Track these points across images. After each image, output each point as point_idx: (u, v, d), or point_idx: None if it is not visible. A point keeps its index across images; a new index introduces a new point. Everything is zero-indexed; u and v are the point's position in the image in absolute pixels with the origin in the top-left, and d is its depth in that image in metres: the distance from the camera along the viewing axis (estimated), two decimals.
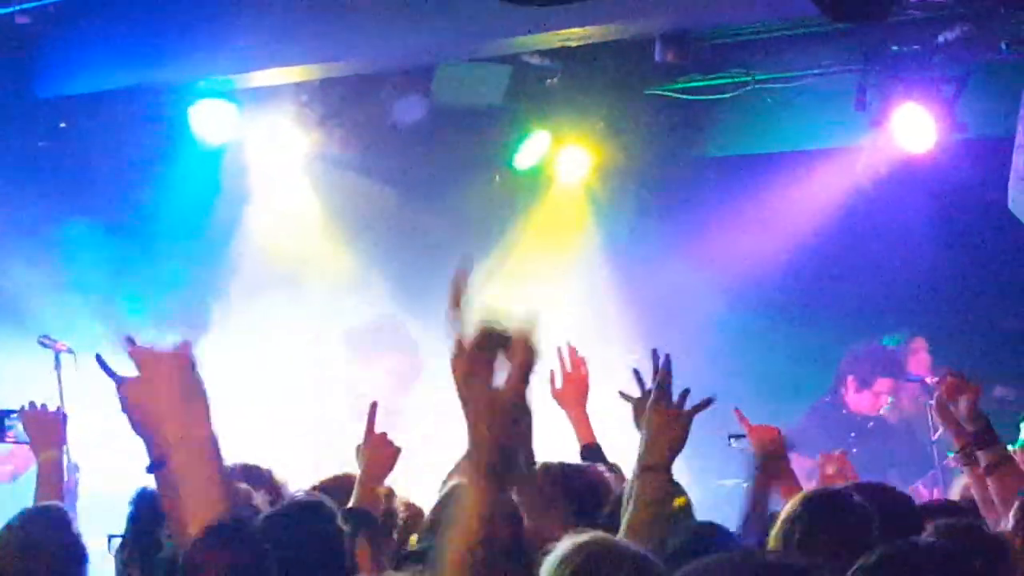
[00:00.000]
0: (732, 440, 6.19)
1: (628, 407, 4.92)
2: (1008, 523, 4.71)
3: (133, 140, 9.39)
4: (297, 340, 10.01)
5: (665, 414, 4.27)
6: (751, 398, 7.70)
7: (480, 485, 2.65)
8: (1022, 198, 8.19)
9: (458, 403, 2.74)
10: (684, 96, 10.05)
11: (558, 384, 6.15)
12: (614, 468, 5.59)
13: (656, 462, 4.22)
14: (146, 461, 3.52)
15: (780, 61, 9.57)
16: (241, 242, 9.89)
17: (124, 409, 3.44)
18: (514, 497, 2.88)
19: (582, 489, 5.00)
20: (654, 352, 4.45)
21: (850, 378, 9.65)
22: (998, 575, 3.98)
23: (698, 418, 4.35)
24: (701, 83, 9.93)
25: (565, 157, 10.60)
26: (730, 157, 10.73)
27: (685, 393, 4.34)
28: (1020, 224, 8.32)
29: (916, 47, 8.94)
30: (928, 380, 8.45)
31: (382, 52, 8.46)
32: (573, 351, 6.23)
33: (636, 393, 4.81)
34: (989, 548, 4.15)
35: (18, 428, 6.17)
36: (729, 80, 9.79)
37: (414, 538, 4.85)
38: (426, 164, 10.42)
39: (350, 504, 5.02)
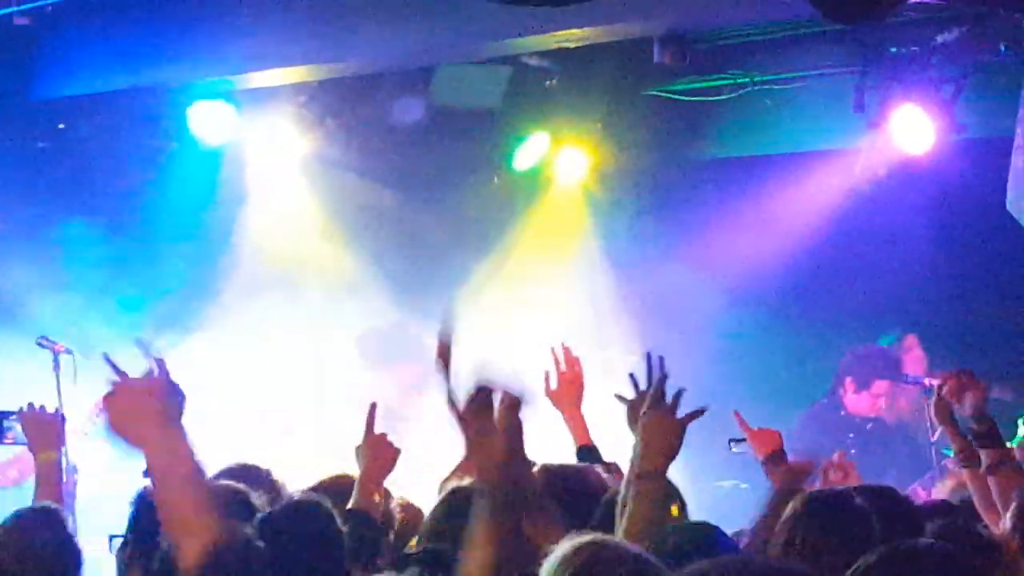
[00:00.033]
0: (732, 444, 6.18)
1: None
2: (1006, 524, 4.72)
3: (132, 141, 9.40)
4: (295, 341, 10.01)
5: (660, 422, 4.27)
6: (750, 399, 7.72)
7: (492, 520, 3.13)
8: (1021, 199, 8.19)
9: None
10: (682, 97, 10.06)
11: (553, 385, 6.14)
12: (611, 468, 5.59)
13: (651, 469, 4.22)
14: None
15: (778, 62, 9.57)
16: (239, 243, 9.89)
17: (108, 430, 3.46)
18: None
19: (581, 491, 5.00)
20: (648, 355, 4.45)
21: (848, 380, 9.65)
22: None
23: (695, 419, 4.35)
24: (699, 84, 9.93)
25: (563, 158, 10.60)
26: (728, 158, 10.72)
27: (679, 394, 4.34)
28: (1019, 225, 8.32)
29: (914, 48, 8.94)
30: (927, 382, 8.44)
31: (381, 53, 8.46)
32: (567, 351, 6.21)
33: (631, 395, 4.81)
34: (982, 550, 4.16)
35: (17, 429, 6.17)
36: (727, 81, 9.80)
37: (414, 541, 4.85)
38: (424, 165, 10.42)
39: (349, 505, 5.02)
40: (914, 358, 9.77)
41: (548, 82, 9.76)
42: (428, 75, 9.44)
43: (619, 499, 4.28)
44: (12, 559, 4.58)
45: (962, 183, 9.53)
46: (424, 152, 10.26)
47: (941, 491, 6.19)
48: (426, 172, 10.46)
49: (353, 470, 5.31)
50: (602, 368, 7.89)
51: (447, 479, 5.28)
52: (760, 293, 10.25)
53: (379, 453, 5.17)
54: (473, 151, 10.44)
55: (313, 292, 10.10)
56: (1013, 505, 4.71)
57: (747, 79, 9.71)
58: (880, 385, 9.58)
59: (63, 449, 5.99)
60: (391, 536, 5.26)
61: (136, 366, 3.52)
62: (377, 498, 5.19)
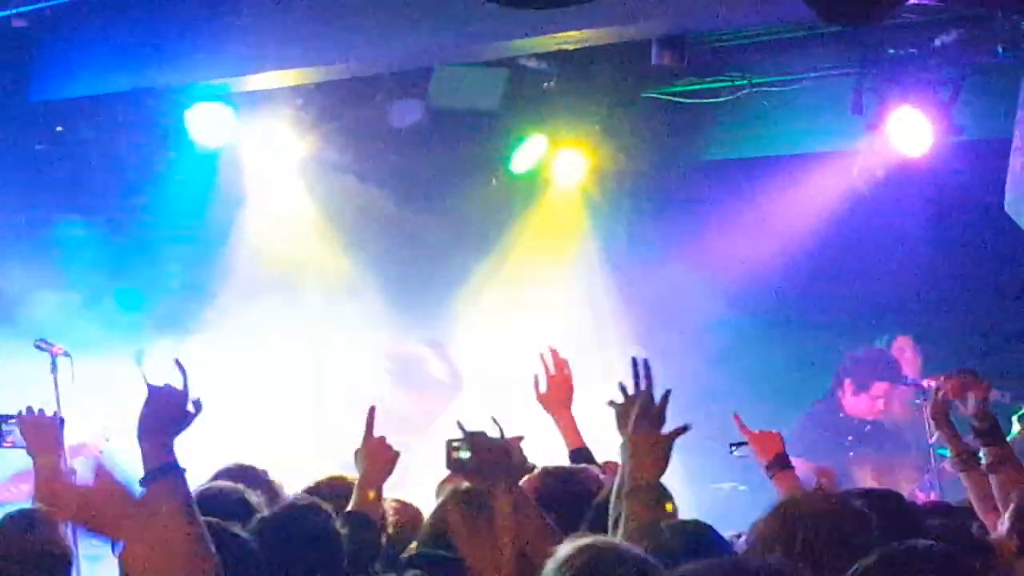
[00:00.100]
0: (733, 448, 6.17)
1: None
2: (1004, 525, 4.72)
3: (130, 143, 9.39)
4: (294, 343, 10.00)
5: (646, 438, 4.28)
6: (748, 400, 7.73)
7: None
8: (1019, 200, 8.20)
9: None
10: (681, 99, 10.06)
11: (542, 388, 6.14)
12: (606, 468, 5.59)
13: (644, 483, 4.23)
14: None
15: (777, 64, 9.58)
16: (238, 245, 9.88)
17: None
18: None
19: (580, 493, 5.00)
20: (633, 360, 4.44)
21: (847, 381, 9.64)
22: None
23: (693, 421, 4.36)
24: (698, 86, 9.94)
25: (562, 160, 10.60)
26: (727, 160, 10.73)
27: (666, 396, 4.34)
28: (1017, 226, 8.33)
29: (912, 50, 8.94)
30: (925, 384, 8.43)
31: (378, 55, 8.45)
32: (555, 353, 6.21)
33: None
34: (979, 552, 4.16)
35: (16, 433, 6.17)
36: (726, 83, 9.80)
37: (413, 544, 4.85)
38: (422, 167, 10.42)
39: (349, 507, 5.02)
40: (906, 360, 9.78)
41: (546, 84, 9.76)
42: (426, 77, 9.44)
43: (610, 511, 4.29)
44: (1, 560, 4.59)
45: (960, 185, 9.54)
46: (422, 154, 10.26)
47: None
48: (424, 174, 10.46)
49: (349, 471, 5.31)
50: (602, 369, 7.88)
51: (444, 482, 5.28)
52: (758, 294, 10.25)
53: (378, 456, 5.17)
54: (472, 153, 10.44)
55: (311, 294, 10.09)
56: (1011, 507, 4.71)
57: (745, 81, 9.71)
58: (879, 387, 9.57)
59: (61, 452, 5.98)
60: (383, 539, 5.25)
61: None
62: (374, 502, 5.19)
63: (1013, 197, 8.27)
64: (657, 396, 4.36)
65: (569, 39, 7.96)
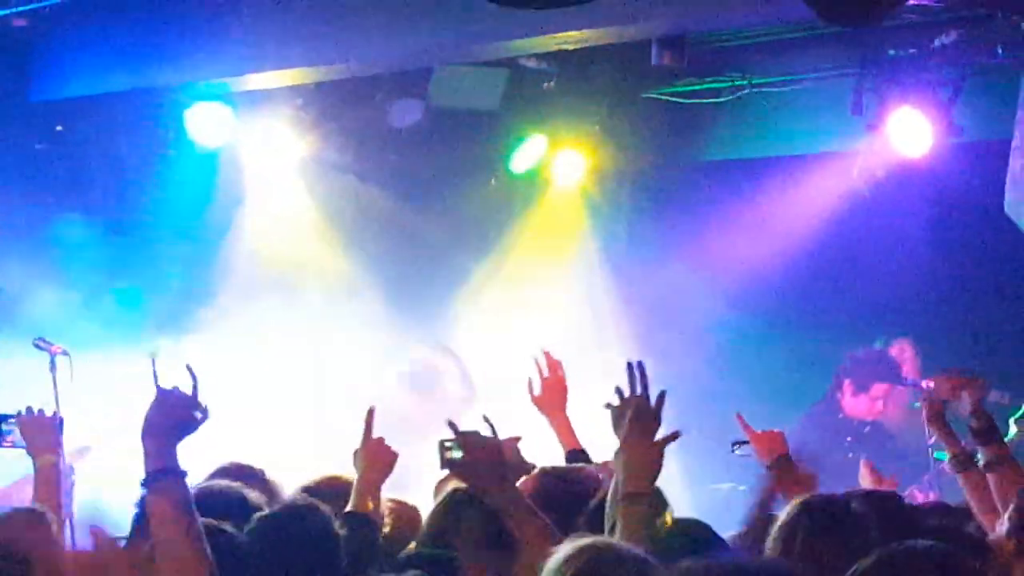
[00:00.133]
0: (736, 447, 6.16)
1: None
2: (1003, 526, 4.72)
3: (129, 143, 9.39)
4: (294, 343, 10.00)
5: (638, 445, 4.28)
6: (748, 400, 7.70)
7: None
8: (1018, 201, 8.19)
9: None
10: (680, 100, 10.06)
11: (536, 391, 6.13)
12: (603, 468, 5.58)
13: (637, 490, 4.23)
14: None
15: (777, 65, 9.58)
16: (237, 245, 9.88)
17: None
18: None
19: (580, 493, 5.00)
20: (629, 364, 4.43)
21: (847, 382, 9.64)
22: None
23: (692, 422, 4.36)
24: (698, 87, 9.94)
25: (561, 160, 10.60)
26: (727, 160, 10.73)
27: (662, 396, 4.34)
28: (1017, 227, 8.32)
29: (912, 51, 8.94)
30: (925, 385, 8.42)
31: (378, 55, 8.45)
32: (548, 355, 6.21)
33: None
34: (978, 552, 4.16)
35: (16, 433, 6.17)
36: (726, 84, 9.80)
37: (412, 544, 4.85)
38: (422, 167, 10.42)
39: (348, 508, 5.01)
40: (906, 363, 9.76)
41: (546, 84, 9.75)
42: (426, 77, 9.44)
43: (607, 515, 4.29)
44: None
45: (960, 185, 9.53)
46: (422, 154, 10.26)
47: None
48: (424, 174, 10.46)
49: (346, 471, 5.30)
50: (602, 369, 7.87)
51: (442, 482, 5.28)
52: (758, 295, 10.25)
53: (377, 457, 5.17)
54: (471, 153, 10.44)
55: (311, 294, 10.09)
56: (1011, 507, 4.70)
57: (745, 81, 9.72)
58: (879, 388, 9.56)
59: (60, 452, 5.98)
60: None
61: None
62: (371, 504, 5.19)
63: (1013, 198, 8.26)
64: (653, 397, 4.35)
65: (569, 39, 7.95)
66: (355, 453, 5.23)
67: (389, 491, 5.25)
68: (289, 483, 5.50)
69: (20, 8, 8.48)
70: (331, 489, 5.16)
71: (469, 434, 4.40)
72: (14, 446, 6.31)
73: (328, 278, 10.19)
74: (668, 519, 4.41)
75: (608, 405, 4.56)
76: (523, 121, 10.26)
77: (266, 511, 4.59)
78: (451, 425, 4.44)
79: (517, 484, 4.57)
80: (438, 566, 4.49)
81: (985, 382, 5.40)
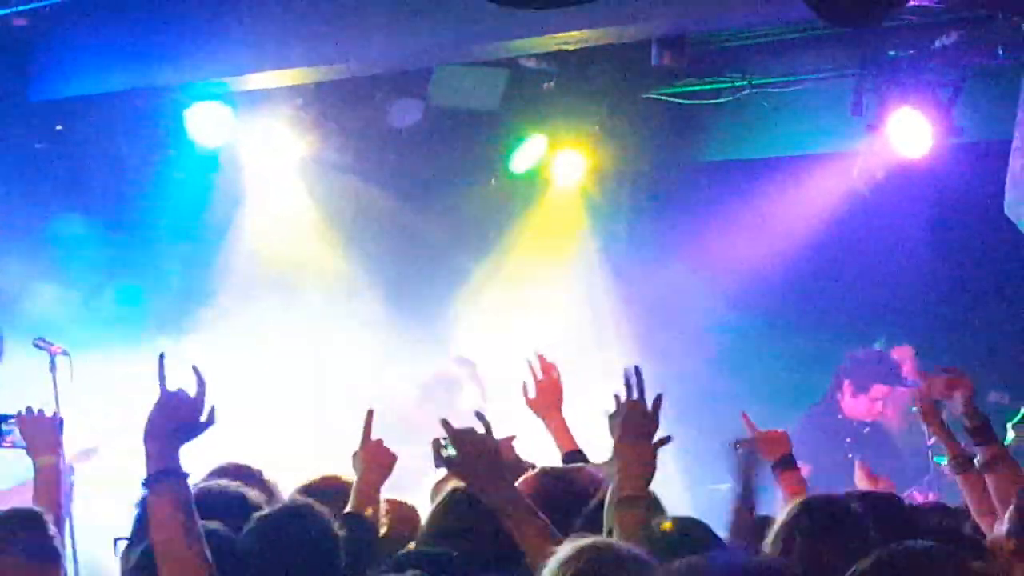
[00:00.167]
0: (738, 446, 6.16)
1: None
2: (1003, 526, 4.71)
3: (129, 143, 9.39)
4: (293, 343, 10.00)
5: (632, 449, 4.28)
6: (748, 401, 7.68)
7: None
8: (1018, 201, 8.19)
9: None
10: (680, 100, 10.07)
11: (531, 394, 6.13)
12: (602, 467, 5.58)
13: (632, 493, 4.23)
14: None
15: (777, 65, 9.59)
16: (237, 245, 9.88)
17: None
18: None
19: (579, 493, 4.99)
20: (625, 371, 4.43)
21: (847, 383, 9.62)
22: None
23: (692, 422, 4.36)
24: (698, 87, 9.94)
25: (561, 161, 10.60)
26: (727, 161, 10.73)
27: (658, 400, 4.33)
28: (1017, 227, 8.32)
29: (912, 52, 8.94)
30: (918, 382, 8.41)
31: (378, 55, 8.45)
32: (542, 358, 6.20)
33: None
34: (977, 553, 4.16)
35: (16, 433, 6.16)
36: (726, 84, 9.81)
37: (412, 544, 4.85)
38: (422, 168, 10.42)
39: (347, 509, 5.01)
40: (907, 363, 9.76)
41: (546, 84, 9.76)
42: (426, 77, 9.44)
43: (604, 516, 4.29)
44: None
45: (960, 186, 9.53)
46: (422, 154, 10.26)
47: None
48: (424, 174, 10.46)
49: (347, 471, 5.30)
50: (601, 369, 7.89)
51: (440, 483, 5.28)
52: (758, 295, 10.25)
53: (376, 459, 5.17)
54: (471, 153, 10.44)
55: (311, 294, 10.09)
56: (1011, 508, 4.70)
57: (745, 82, 9.72)
58: (879, 389, 9.55)
59: (60, 452, 5.98)
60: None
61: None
62: (370, 509, 5.18)
63: (1013, 198, 8.26)
64: (649, 401, 4.35)
65: (569, 39, 7.95)
66: (354, 455, 5.23)
67: (388, 493, 5.25)
68: (288, 483, 5.50)
69: (20, 8, 8.48)
70: (329, 489, 5.16)
71: (462, 431, 4.39)
72: (14, 446, 6.30)
73: (328, 278, 10.18)
74: (665, 523, 4.41)
75: (606, 412, 4.56)
76: (523, 121, 10.26)
77: (266, 511, 4.59)
78: (444, 423, 4.43)
79: (516, 484, 4.56)
80: (438, 566, 4.49)
81: (967, 381, 5.38)
